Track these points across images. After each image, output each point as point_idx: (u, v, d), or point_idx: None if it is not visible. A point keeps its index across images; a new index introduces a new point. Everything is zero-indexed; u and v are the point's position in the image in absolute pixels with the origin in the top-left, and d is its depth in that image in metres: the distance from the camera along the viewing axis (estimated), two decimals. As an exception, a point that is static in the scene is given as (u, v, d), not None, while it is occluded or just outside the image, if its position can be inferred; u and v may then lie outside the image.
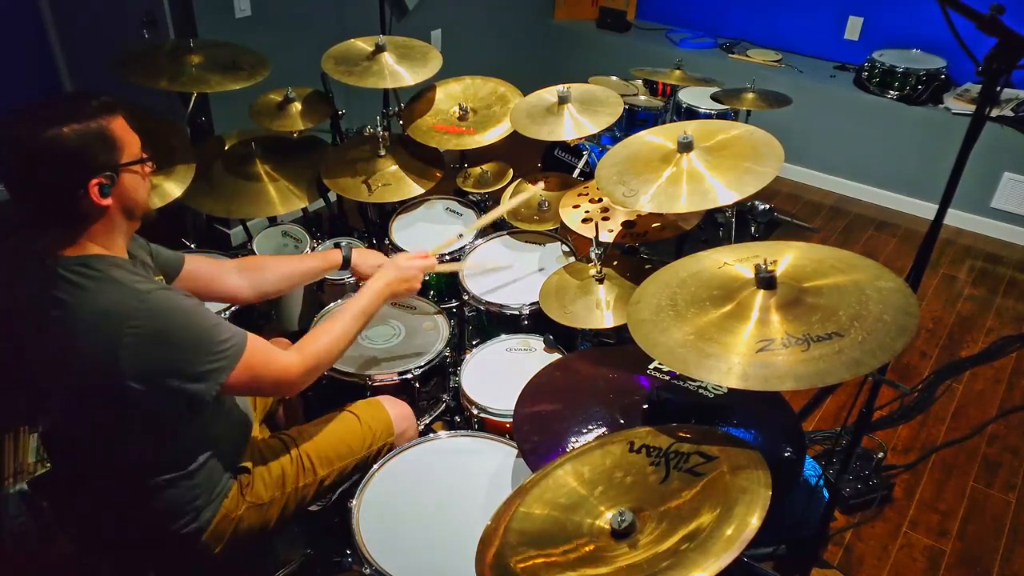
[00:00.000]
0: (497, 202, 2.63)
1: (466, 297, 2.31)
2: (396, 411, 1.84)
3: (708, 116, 3.56)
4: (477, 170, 2.73)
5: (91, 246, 1.33)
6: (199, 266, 1.74)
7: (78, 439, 1.43)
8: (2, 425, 2.03)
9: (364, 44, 2.69)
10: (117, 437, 1.39)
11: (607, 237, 2.15)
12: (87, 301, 1.28)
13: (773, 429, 1.66)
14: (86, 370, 1.28)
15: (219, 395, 1.40)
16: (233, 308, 2.23)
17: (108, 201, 1.32)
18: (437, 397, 2.19)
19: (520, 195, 2.28)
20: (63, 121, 1.25)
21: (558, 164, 3.27)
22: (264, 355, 1.44)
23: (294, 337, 2.20)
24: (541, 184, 2.39)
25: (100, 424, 1.37)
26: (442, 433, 1.82)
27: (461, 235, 1.98)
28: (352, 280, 2.43)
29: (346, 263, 1.98)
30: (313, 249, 2.53)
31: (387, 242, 2.56)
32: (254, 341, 1.42)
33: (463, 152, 2.78)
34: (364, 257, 2.01)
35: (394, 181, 2.53)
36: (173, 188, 2.26)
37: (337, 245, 1.98)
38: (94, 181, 1.29)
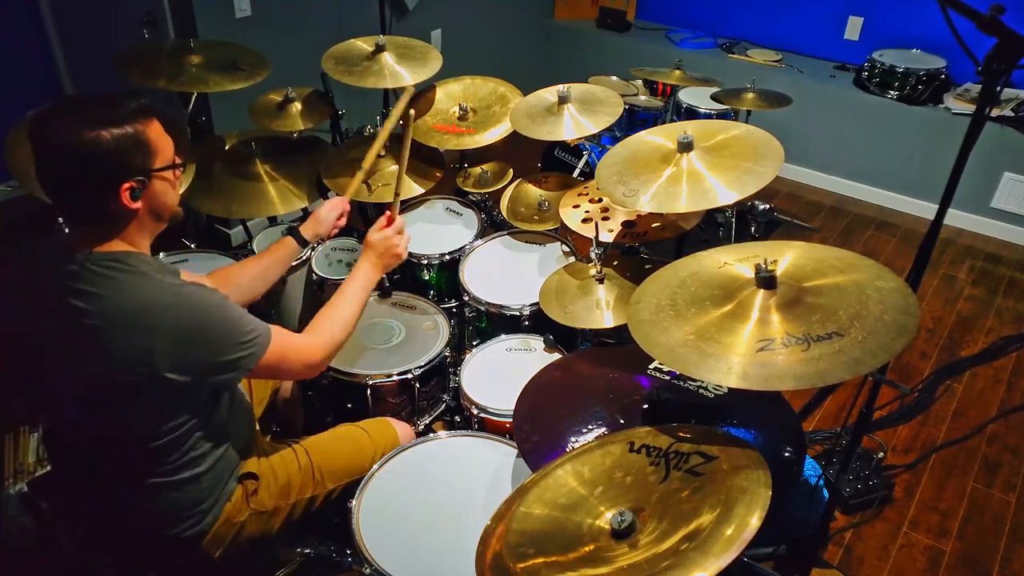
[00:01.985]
0: (496, 202, 2.64)
1: (466, 297, 2.31)
2: (401, 432, 1.85)
3: (708, 116, 3.56)
4: (477, 170, 2.73)
5: (119, 243, 1.35)
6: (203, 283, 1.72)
7: (85, 439, 1.43)
8: (2, 425, 2.03)
9: (364, 44, 2.69)
10: (125, 436, 1.38)
11: (607, 237, 2.15)
12: (120, 294, 1.30)
13: (773, 429, 1.66)
14: (114, 364, 1.28)
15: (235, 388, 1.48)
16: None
17: (138, 204, 1.34)
18: (437, 397, 2.19)
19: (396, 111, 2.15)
20: (102, 124, 1.26)
21: (558, 164, 3.27)
22: (287, 340, 1.50)
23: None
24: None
25: (110, 421, 1.37)
26: (442, 433, 1.82)
27: (397, 194, 1.99)
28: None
29: (303, 242, 2.02)
30: (313, 250, 2.53)
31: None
32: (276, 330, 1.47)
33: (463, 152, 2.78)
34: (316, 223, 2.06)
35: (394, 181, 2.53)
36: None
37: (289, 231, 2.03)
38: (126, 185, 1.30)
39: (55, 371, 1.37)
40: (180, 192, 1.48)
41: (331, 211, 2.08)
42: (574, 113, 2.44)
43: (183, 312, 1.31)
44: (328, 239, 2.12)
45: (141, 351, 1.27)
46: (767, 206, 3.78)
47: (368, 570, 1.46)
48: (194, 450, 1.44)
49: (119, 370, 1.28)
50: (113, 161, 1.28)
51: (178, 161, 1.42)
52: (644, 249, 2.52)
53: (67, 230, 1.40)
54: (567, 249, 2.43)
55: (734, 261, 1.53)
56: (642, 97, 3.80)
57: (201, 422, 1.43)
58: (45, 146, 1.27)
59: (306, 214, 2.83)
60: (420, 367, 2.04)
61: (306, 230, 2.03)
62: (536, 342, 2.15)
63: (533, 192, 2.58)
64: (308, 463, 1.68)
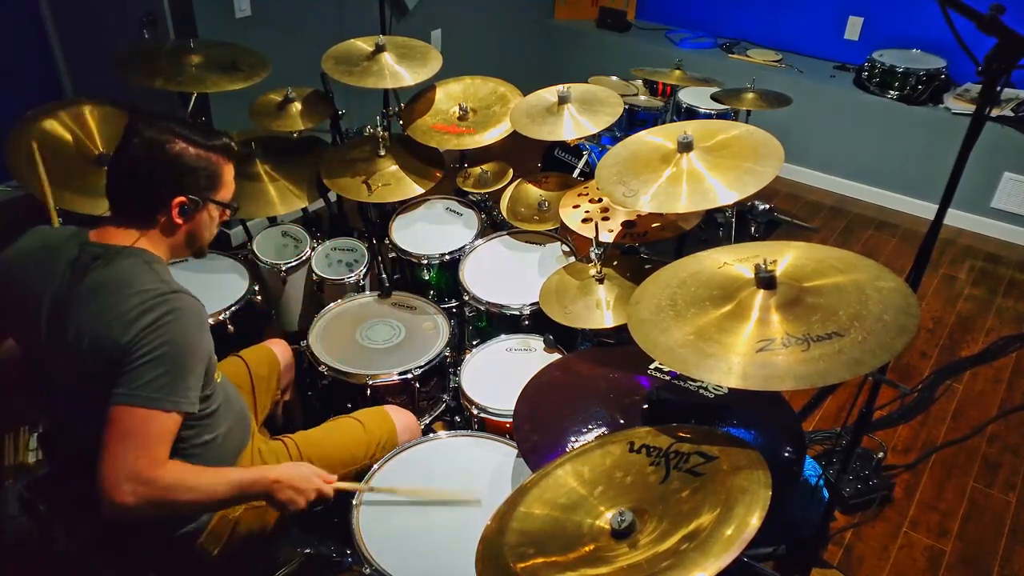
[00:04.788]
0: (496, 202, 2.64)
1: (466, 297, 2.31)
2: (402, 421, 1.84)
3: (708, 116, 3.56)
4: (477, 170, 2.73)
5: (145, 243, 1.41)
6: None
7: (83, 439, 1.43)
8: (2, 425, 2.03)
9: (364, 44, 2.69)
10: None
11: (607, 237, 2.15)
12: (122, 274, 1.33)
13: (773, 429, 1.66)
14: (102, 347, 1.29)
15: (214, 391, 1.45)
16: (234, 306, 2.23)
17: (181, 221, 1.42)
18: (437, 397, 2.19)
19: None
20: (192, 142, 1.41)
21: (558, 164, 3.27)
22: (160, 438, 1.29)
23: (294, 337, 2.22)
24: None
25: (102, 419, 1.37)
26: (442, 433, 1.82)
27: (372, 488, 1.63)
28: (352, 280, 2.44)
29: None
30: (313, 249, 2.52)
31: (387, 242, 2.56)
32: (174, 425, 1.31)
33: (463, 152, 2.78)
34: None
35: (394, 181, 2.53)
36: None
37: None
38: (180, 199, 1.41)
39: (52, 365, 1.39)
40: (215, 232, 1.55)
41: None
42: (574, 113, 2.44)
43: (171, 306, 1.31)
44: None
45: (115, 319, 1.29)
46: (767, 206, 3.78)
47: (368, 570, 1.46)
48: (190, 452, 1.44)
49: (104, 355, 1.29)
50: (184, 174, 1.40)
51: (233, 204, 1.52)
52: (644, 249, 2.52)
53: (104, 225, 1.43)
54: (567, 249, 2.43)
55: (734, 261, 1.53)
56: (642, 97, 3.80)
57: (196, 425, 1.43)
58: (136, 136, 1.38)
59: (305, 213, 2.85)
60: (420, 367, 2.04)
61: None
62: (536, 342, 2.15)
63: (533, 192, 2.58)
64: (299, 457, 1.68)
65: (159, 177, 1.39)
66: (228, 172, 1.49)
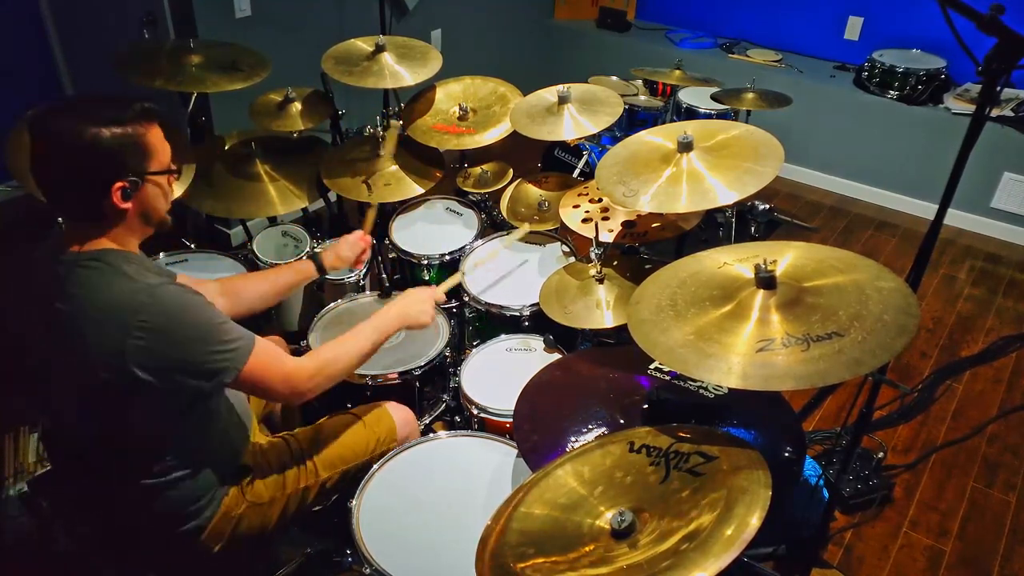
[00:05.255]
0: (496, 202, 2.64)
1: (466, 297, 2.31)
2: (400, 416, 1.84)
3: (708, 116, 3.56)
4: (477, 170, 2.73)
5: (106, 242, 1.35)
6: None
7: (81, 438, 1.43)
8: (2, 425, 2.03)
9: (364, 44, 2.69)
10: (119, 436, 1.39)
11: (607, 237, 2.15)
12: (97, 293, 1.29)
13: (773, 429, 1.66)
14: (93, 363, 1.28)
15: (221, 394, 1.43)
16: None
17: (128, 205, 1.34)
18: (437, 397, 2.19)
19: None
20: (103, 122, 1.28)
21: (558, 164, 3.27)
22: (274, 357, 1.45)
23: (294, 337, 2.22)
24: None
25: (104, 421, 1.37)
26: (442, 433, 1.82)
27: (463, 272, 2.08)
28: (353, 279, 2.44)
29: (321, 269, 2.02)
30: (313, 249, 2.53)
31: (387, 242, 2.56)
32: (263, 343, 1.42)
33: (463, 152, 2.78)
34: (336, 258, 2.05)
35: (394, 181, 2.53)
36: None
37: (312, 257, 2.03)
38: (118, 184, 1.31)
39: (51, 372, 1.37)
40: (177, 195, 1.47)
41: (352, 250, 2.08)
42: (574, 113, 2.44)
43: (156, 311, 1.28)
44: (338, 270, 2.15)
45: (113, 348, 1.26)
46: (767, 206, 3.78)
47: (368, 570, 1.46)
48: (191, 449, 1.45)
49: (96, 368, 1.28)
50: (109, 159, 1.29)
51: (174, 168, 1.43)
52: (644, 249, 2.52)
53: (62, 229, 1.39)
54: (567, 249, 2.43)
55: (734, 261, 1.53)
56: (642, 97, 3.80)
57: (197, 422, 1.44)
58: (44, 139, 1.28)
59: (305, 213, 2.85)
60: (420, 367, 2.04)
61: (326, 260, 2.03)
62: (536, 342, 2.14)
63: (533, 192, 2.58)
64: (300, 453, 1.68)
65: (84, 172, 1.29)
66: (155, 137, 1.36)
